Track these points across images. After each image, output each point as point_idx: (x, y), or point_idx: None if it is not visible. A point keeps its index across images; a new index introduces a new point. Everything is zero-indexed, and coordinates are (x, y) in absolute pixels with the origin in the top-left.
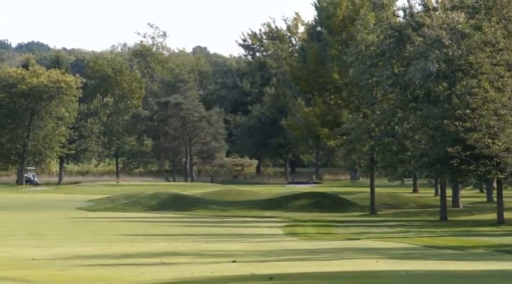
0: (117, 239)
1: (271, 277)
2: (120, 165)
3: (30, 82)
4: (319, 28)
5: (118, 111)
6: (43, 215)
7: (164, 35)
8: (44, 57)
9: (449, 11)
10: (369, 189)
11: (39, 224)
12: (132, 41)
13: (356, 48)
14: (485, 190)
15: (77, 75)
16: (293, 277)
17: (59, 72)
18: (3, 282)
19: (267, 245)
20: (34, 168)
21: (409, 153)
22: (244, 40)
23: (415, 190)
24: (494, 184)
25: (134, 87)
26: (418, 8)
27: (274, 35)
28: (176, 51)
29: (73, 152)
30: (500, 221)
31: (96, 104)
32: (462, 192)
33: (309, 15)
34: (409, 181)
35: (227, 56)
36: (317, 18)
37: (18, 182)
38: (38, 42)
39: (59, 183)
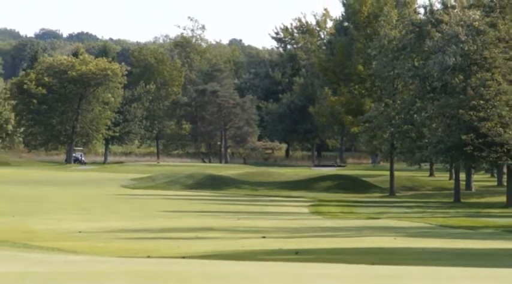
0: (156, 215)
1: (297, 252)
2: (161, 147)
3: (80, 69)
4: (345, 23)
5: (159, 97)
6: (89, 191)
7: (203, 27)
8: (93, 46)
9: (466, 9)
10: (388, 173)
11: (85, 200)
12: (173, 33)
13: (379, 43)
14: (496, 175)
15: (123, 63)
16: (317, 252)
17: (106, 60)
18: (53, 253)
19: (294, 223)
20: (82, 148)
21: (427, 140)
22: (277, 33)
23: (431, 174)
24: (505, 170)
25: (174, 76)
26: (438, 5)
27: (304, 29)
28: (213, 42)
29: (117, 134)
30: (509, 203)
31: (139, 90)
32: (475, 176)
33: (337, 11)
34: (426, 165)
35: (260, 48)
36: (344, 14)
37: (67, 161)
38: (87, 33)
39: (104, 163)
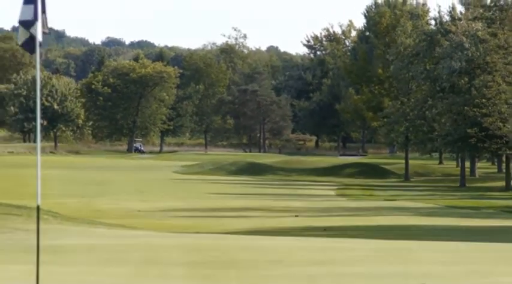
0: (204, 196)
1: (325, 229)
2: (208, 139)
3: (140, 72)
4: (367, 33)
5: (207, 96)
6: (147, 176)
7: (245, 36)
8: (151, 52)
9: (471, 21)
10: (404, 161)
11: (144, 183)
12: (219, 41)
13: (396, 49)
14: (496, 163)
15: (176, 67)
16: (342, 229)
17: (162, 64)
18: (116, 228)
19: (322, 204)
20: (141, 139)
21: (437, 133)
22: (308, 41)
23: (440, 162)
24: (504, 158)
25: (220, 78)
26: (447, 18)
27: (331, 37)
28: (254, 49)
29: (171, 128)
30: (507, 187)
31: (190, 90)
32: (478, 164)
33: (360, 22)
34: (436, 155)
35: (294, 54)
36: (366, 25)
37: (129, 150)
38: (146, 41)
39: (160, 152)
